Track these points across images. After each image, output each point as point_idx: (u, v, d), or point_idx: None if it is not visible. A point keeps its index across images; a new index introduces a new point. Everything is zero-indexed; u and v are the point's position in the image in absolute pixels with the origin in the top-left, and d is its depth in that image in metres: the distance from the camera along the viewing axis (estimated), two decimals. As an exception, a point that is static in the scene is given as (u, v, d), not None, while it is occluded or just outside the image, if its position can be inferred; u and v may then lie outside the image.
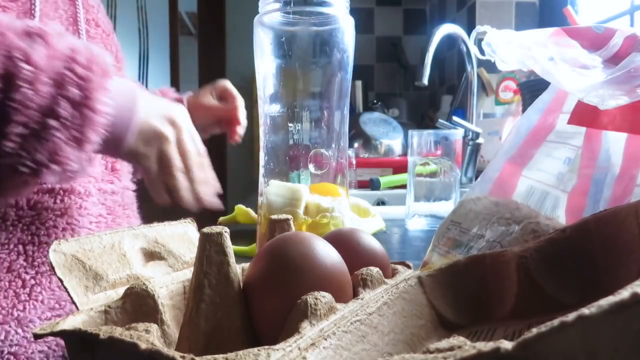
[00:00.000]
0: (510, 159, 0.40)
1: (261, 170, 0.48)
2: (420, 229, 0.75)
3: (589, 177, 0.36)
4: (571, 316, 0.12)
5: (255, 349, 0.18)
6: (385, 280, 0.28)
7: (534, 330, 0.12)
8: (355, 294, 0.25)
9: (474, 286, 0.30)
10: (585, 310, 0.12)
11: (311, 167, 0.47)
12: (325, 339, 0.19)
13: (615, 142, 0.35)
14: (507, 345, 0.12)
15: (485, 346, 0.13)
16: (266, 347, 0.18)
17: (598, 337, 0.12)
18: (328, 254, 0.24)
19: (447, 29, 1.17)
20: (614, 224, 0.27)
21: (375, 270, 0.27)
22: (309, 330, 0.20)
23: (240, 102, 0.74)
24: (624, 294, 0.12)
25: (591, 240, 0.28)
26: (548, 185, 0.38)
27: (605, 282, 0.26)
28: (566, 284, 0.28)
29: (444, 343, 0.14)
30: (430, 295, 0.30)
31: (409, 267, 0.33)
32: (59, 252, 0.25)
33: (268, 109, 0.47)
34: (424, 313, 0.29)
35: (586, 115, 0.34)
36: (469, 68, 1.29)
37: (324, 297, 0.21)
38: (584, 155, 0.37)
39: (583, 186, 0.36)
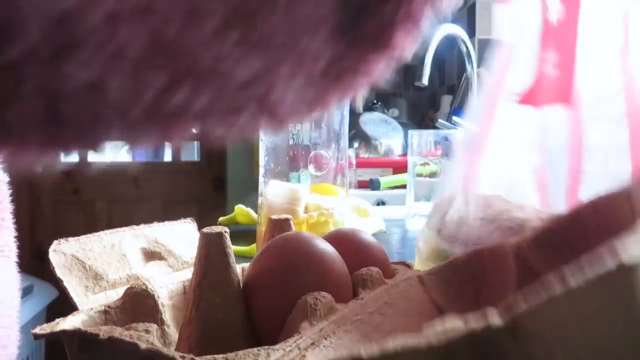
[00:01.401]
0: (469, 150, 0.39)
1: (261, 170, 0.48)
2: (420, 229, 0.75)
3: (547, 151, 0.35)
4: (558, 289, 0.12)
5: (255, 349, 0.18)
6: (385, 280, 0.28)
7: (523, 305, 0.12)
8: (355, 294, 0.25)
9: (474, 281, 0.30)
10: (571, 282, 0.12)
11: (311, 168, 0.47)
12: (326, 339, 0.19)
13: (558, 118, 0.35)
14: (497, 321, 0.13)
15: (476, 323, 0.13)
16: (266, 347, 0.18)
17: (586, 307, 0.12)
18: (328, 254, 0.24)
19: (447, 29, 1.17)
20: (607, 210, 0.27)
21: (375, 270, 0.27)
22: (309, 330, 0.20)
23: None
24: (609, 262, 0.12)
25: (587, 228, 0.28)
26: (512, 170, 0.37)
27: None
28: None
29: (435, 324, 0.14)
30: (432, 293, 0.30)
31: (409, 267, 0.33)
32: (59, 252, 0.25)
33: (268, 109, 0.47)
34: (425, 311, 0.29)
35: (530, 96, 0.35)
36: (469, 68, 1.29)
37: (324, 297, 0.21)
38: (542, 132, 0.36)
39: (543, 161, 0.36)
